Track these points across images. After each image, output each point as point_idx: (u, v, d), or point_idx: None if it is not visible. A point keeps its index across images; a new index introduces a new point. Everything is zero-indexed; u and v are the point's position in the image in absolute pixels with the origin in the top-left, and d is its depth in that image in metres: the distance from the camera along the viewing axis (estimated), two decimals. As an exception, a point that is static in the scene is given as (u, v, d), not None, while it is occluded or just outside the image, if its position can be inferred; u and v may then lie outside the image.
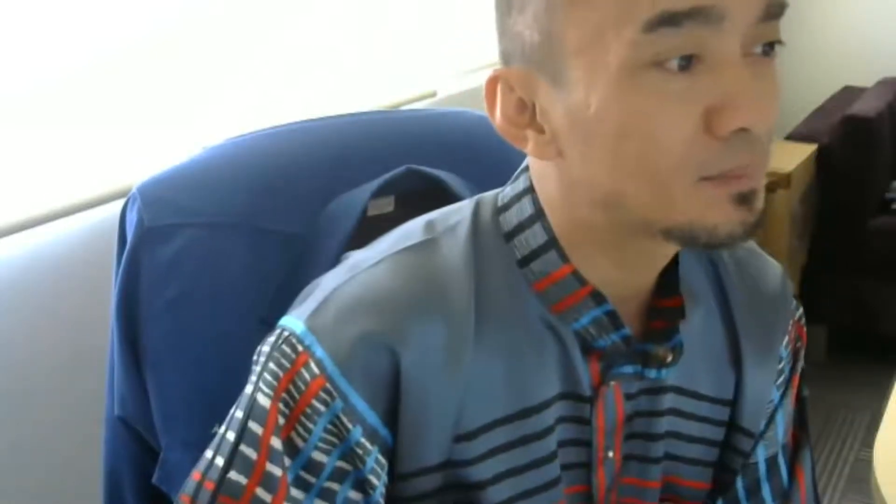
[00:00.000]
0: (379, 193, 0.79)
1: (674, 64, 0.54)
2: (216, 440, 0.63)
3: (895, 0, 3.37)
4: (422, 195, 0.80)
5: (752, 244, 0.77)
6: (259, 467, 0.60)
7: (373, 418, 0.60)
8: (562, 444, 0.66)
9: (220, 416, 0.71)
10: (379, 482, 0.62)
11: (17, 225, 1.15)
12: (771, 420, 0.75)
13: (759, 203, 0.58)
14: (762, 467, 0.75)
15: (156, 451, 0.77)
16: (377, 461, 0.61)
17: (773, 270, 0.76)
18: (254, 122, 0.89)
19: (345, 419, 0.60)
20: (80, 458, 1.19)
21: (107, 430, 0.81)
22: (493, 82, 0.61)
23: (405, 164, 0.81)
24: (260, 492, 0.60)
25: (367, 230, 0.73)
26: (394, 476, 0.63)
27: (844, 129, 2.76)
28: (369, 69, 1.84)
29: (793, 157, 2.76)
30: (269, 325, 0.66)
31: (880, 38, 3.39)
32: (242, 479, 0.60)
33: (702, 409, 0.71)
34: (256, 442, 0.61)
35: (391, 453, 0.62)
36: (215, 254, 0.77)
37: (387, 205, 0.75)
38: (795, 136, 2.96)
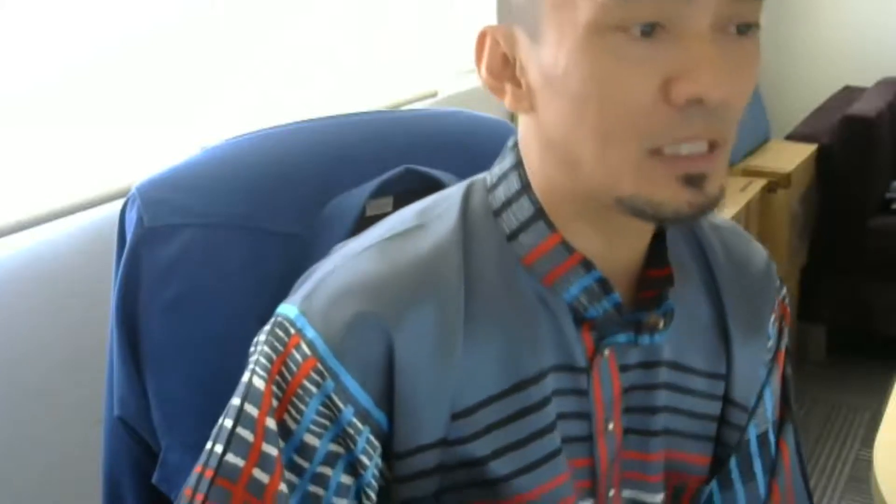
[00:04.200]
0: (377, 194, 0.79)
1: (637, 30, 0.55)
2: (215, 431, 0.64)
3: (895, 0, 3.38)
4: (420, 195, 0.79)
5: (735, 226, 0.78)
6: (255, 449, 0.61)
7: (364, 399, 0.61)
8: (562, 416, 0.66)
9: (219, 415, 0.70)
10: (370, 463, 0.62)
11: (17, 225, 1.15)
12: (759, 397, 0.76)
13: (713, 187, 0.58)
14: (753, 444, 0.76)
15: (155, 452, 0.77)
16: (369, 442, 0.61)
17: (758, 250, 0.77)
18: (254, 122, 0.89)
19: (336, 399, 0.60)
20: (80, 457, 1.19)
21: (106, 430, 0.80)
22: (482, 37, 0.64)
23: (403, 164, 0.81)
24: (257, 473, 0.60)
25: (365, 230, 0.73)
26: (390, 457, 0.63)
27: (844, 129, 2.76)
28: (369, 69, 1.85)
29: (793, 157, 2.77)
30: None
31: (880, 38, 3.40)
32: (240, 462, 0.61)
33: (697, 384, 0.72)
34: (252, 423, 0.61)
35: (385, 436, 0.62)
36: (215, 254, 0.77)
37: (385, 205, 0.75)
38: (795, 136, 2.96)
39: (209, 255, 0.76)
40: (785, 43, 3.56)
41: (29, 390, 1.18)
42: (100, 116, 1.27)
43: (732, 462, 0.75)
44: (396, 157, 0.83)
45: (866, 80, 3.25)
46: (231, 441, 0.62)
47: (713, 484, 0.76)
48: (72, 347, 1.21)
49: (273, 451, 0.60)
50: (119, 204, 0.80)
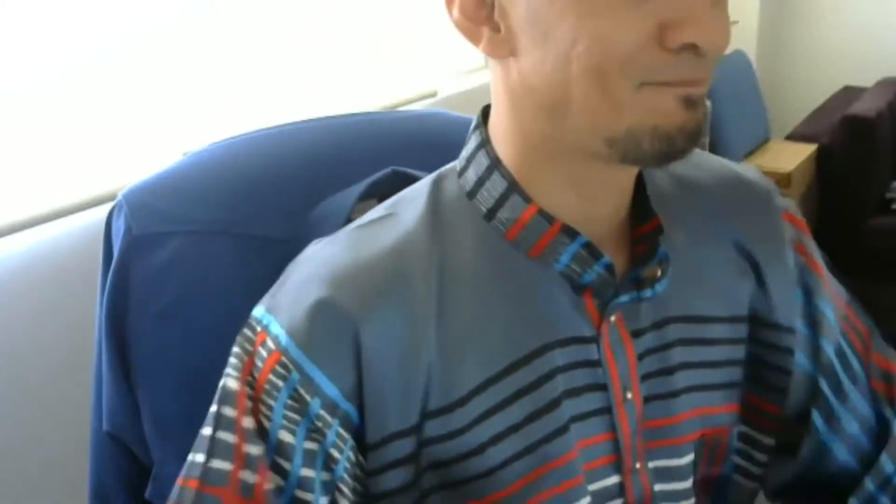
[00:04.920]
0: (364, 196, 0.78)
1: None
2: (196, 442, 0.62)
3: (895, 0, 3.38)
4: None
5: (703, 153, 0.76)
6: (239, 450, 0.60)
7: (331, 390, 0.60)
8: (574, 392, 0.65)
9: None
10: (341, 456, 0.61)
11: (17, 225, 1.15)
12: (815, 311, 0.74)
13: (700, 113, 0.58)
14: (835, 362, 0.74)
15: (145, 466, 0.75)
16: (338, 435, 0.60)
17: (747, 168, 0.75)
18: (254, 122, 0.89)
19: (302, 391, 0.60)
20: (79, 457, 1.19)
21: (93, 445, 0.79)
22: None
23: (390, 165, 0.80)
24: (244, 474, 0.59)
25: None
26: (364, 449, 0.62)
27: (844, 129, 2.76)
28: (369, 69, 1.85)
29: (793, 157, 2.77)
30: None
31: (880, 38, 3.40)
32: (226, 466, 0.60)
33: (715, 332, 0.70)
34: (231, 425, 0.60)
35: (356, 429, 0.61)
36: (204, 261, 0.75)
37: (369, 207, 0.74)
38: (795, 136, 2.97)
39: (198, 263, 0.75)
40: (785, 43, 3.56)
41: (28, 390, 1.18)
42: (99, 117, 1.27)
43: (824, 385, 0.73)
44: (381, 160, 0.81)
45: (866, 80, 3.26)
46: (214, 447, 0.60)
47: (815, 414, 0.73)
48: (71, 348, 1.21)
49: (255, 450, 0.60)
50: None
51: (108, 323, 0.75)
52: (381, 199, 0.76)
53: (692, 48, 0.55)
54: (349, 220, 0.75)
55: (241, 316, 0.71)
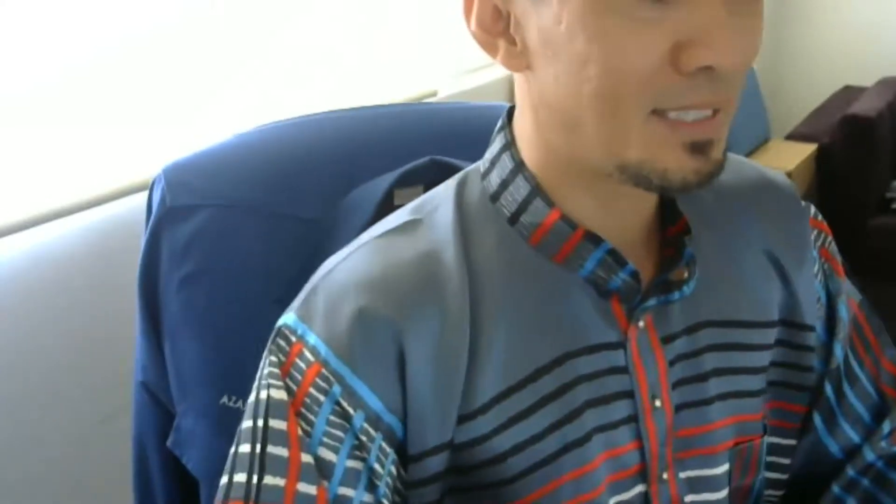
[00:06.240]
0: (406, 183, 0.79)
1: None
2: (230, 461, 0.59)
3: (895, 0, 3.38)
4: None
5: (735, 156, 0.74)
6: (294, 461, 0.57)
7: (376, 403, 0.58)
8: (600, 401, 0.63)
9: (230, 387, 0.74)
10: (383, 471, 0.59)
11: (17, 225, 1.15)
12: (834, 313, 0.74)
13: (717, 152, 0.56)
14: (841, 366, 0.74)
15: (175, 417, 0.80)
16: (381, 449, 0.59)
17: (775, 173, 0.74)
18: (254, 122, 0.89)
19: (345, 404, 0.58)
20: (80, 456, 1.19)
21: (135, 394, 0.84)
22: None
23: (431, 155, 0.81)
24: (302, 486, 0.56)
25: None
26: (405, 461, 0.60)
27: (844, 129, 2.76)
28: (370, 69, 1.84)
29: (793, 157, 2.77)
30: (285, 305, 0.65)
31: (880, 38, 3.40)
32: (280, 482, 0.56)
33: (746, 337, 0.68)
34: (284, 438, 0.58)
35: (398, 442, 0.60)
36: (231, 234, 0.79)
37: (414, 194, 0.75)
38: (795, 136, 2.97)
39: (223, 235, 0.79)
40: (785, 43, 3.56)
41: (28, 390, 1.18)
42: (97, 117, 1.27)
43: (827, 389, 0.73)
44: (424, 149, 0.82)
45: (866, 80, 3.25)
46: (265, 463, 0.57)
47: (815, 415, 0.73)
48: (71, 348, 1.22)
49: (310, 458, 0.57)
50: (116, 206, 0.81)
51: (141, 285, 0.80)
52: (426, 187, 0.76)
53: (708, 69, 0.53)
54: (390, 206, 0.75)
55: (265, 290, 0.77)
